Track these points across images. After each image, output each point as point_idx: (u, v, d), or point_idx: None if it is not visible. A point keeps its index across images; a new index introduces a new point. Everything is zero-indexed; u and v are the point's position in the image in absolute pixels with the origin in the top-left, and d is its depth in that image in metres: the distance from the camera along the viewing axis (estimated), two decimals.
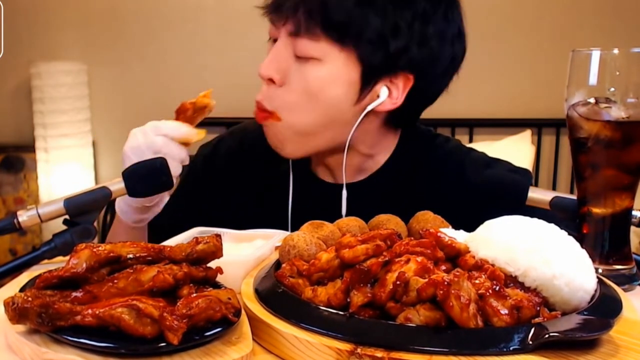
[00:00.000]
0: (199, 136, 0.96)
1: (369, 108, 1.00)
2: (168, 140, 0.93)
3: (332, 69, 0.96)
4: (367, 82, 0.98)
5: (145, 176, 0.90)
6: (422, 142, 1.12)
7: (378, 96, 0.99)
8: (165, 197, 1.02)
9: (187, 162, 0.96)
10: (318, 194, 1.10)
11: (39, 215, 0.86)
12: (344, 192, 1.06)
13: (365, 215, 0.87)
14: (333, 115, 1.00)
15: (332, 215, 0.94)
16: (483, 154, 1.13)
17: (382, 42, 0.95)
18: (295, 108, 0.99)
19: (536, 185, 0.97)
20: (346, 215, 1.03)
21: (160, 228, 1.05)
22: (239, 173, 1.16)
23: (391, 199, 1.06)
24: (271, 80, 0.99)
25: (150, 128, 0.93)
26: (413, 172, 1.09)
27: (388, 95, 0.99)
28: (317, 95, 0.97)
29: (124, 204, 1.00)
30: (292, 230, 0.86)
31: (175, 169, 0.92)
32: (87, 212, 0.88)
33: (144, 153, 0.91)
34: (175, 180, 0.92)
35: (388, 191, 1.08)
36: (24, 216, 0.86)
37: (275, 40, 1.01)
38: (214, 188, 1.16)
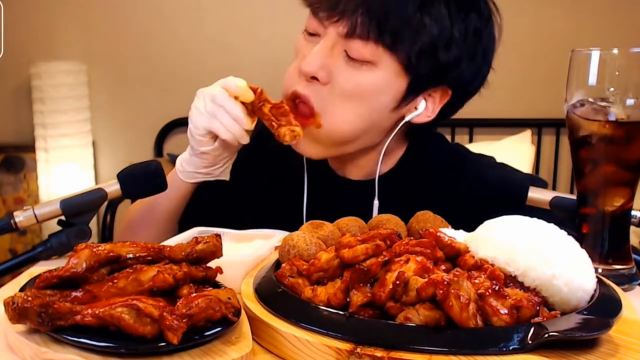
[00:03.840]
0: (250, 96, 0.93)
1: (407, 119, 0.99)
2: (225, 94, 0.94)
3: (385, 76, 0.94)
4: (412, 92, 0.97)
5: (139, 178, 0.92)
6: (431, 145, 1.12)
7: (416, 108, 0.99)
8: (228, 167, 1.03)
9: (244, 123, 0.94)
10: (334, 190, 1.09)
11: (35, 216, 0.87)
12: (376, 202, 1.04)
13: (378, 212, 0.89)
14: (373, 122, 0.98)
15: (348, 212, 0.93)
16: (492, 158, 1.13)
17: (433, 52, 0.93)
18: (339, 110, 0.95)
19: None
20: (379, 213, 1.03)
21: (188, 223, 1.06)
22: (254, 170, 1.15)
23: (401, 198, 1.06)
24: (314, 78, 0.95)
25: (220, 80, 0.97)
26: (422, 172, 1.08)
27: (424, 107, 0.99)
28: (364, 99, 0.95)
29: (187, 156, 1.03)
30: None
31: (228, 123, 0.94)
32: (82, 213, 0.89)
33: (205, 98, 0.96)
34: (228, 136, 0.94)
35: (398, 190, 1.07)
36: (20, 216, 0.86)
37: (311, 34, 0.98)
38: (233, 185, 1.14)
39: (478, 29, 0.96)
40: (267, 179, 1.15)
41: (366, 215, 0.86)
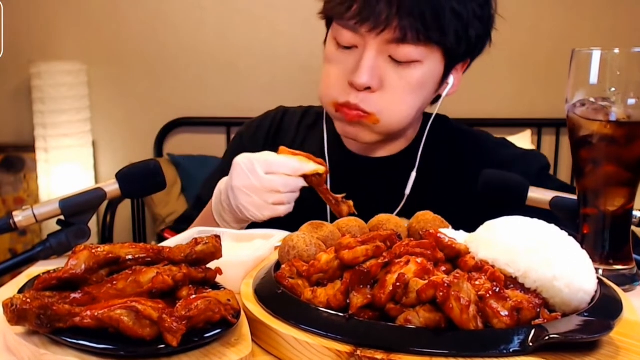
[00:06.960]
0: (313, 167, 0.92)
1: (444, 95, 1.09)
2: (284, 177, 0.92)
3: (430, 67, 1.02)
4: (448, 72, 1.06)
5: (139, 178, 0.92)
6: (442, 123, 1.19)
7: (447, 83, 1.08)
8: None
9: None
10: (358, 171, 1.15)
11: (34, 216, 0.87)
12: (413, 174, 1.11)
13: (396, 187, 1.03)
14: (422, 108, 1.08)
15: (377, 189, 0.97)
16: (502, 139, 1.25)
17: (466, 33, 1.01)
18: (395, 109, 1.03)
19: None
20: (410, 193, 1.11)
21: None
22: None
23: (421, 173, 1.12)
24: (367, 88, 1.01)
25: (260, 165, 0.92)
26: (438, 147, 1.15)
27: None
28: (416, 93, 1.03)
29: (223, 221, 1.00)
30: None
31: (291, 198, 0.94)
32: (82, 213, 0.89)
33: (261, 193, 0.92)
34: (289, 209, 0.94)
35: (417, 165, 1.13)
36: (19, 216, 0.87)
37: (345, 47, 1.02)
38: None
39: None
40: None
41: (398, 190, 0.97)
